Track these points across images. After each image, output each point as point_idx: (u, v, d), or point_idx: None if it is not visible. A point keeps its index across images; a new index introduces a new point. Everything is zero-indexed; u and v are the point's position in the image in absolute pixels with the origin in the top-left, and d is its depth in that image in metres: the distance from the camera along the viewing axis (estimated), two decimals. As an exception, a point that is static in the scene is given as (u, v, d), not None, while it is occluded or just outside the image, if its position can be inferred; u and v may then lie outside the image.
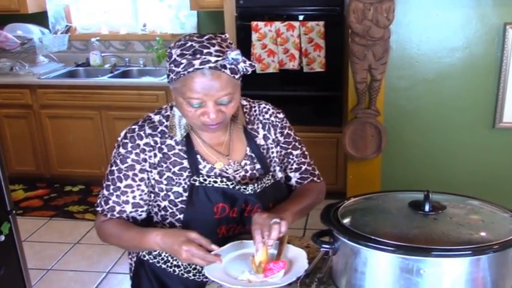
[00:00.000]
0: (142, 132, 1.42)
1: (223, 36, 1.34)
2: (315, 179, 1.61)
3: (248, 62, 1.31)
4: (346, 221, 1.22)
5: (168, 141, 1.43)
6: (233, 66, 1.29)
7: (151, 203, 1.47)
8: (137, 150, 1.41)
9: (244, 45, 3.62)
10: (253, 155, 1.48)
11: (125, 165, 1.42)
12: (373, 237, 1.12)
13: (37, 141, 4.26)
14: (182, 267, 1.49)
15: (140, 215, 1.46)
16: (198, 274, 1.49)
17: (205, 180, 1.40)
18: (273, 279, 1.26)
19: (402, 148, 3.35)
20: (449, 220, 1.19)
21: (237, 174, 1.45)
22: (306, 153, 1.60)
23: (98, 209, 1.46)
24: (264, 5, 3.63)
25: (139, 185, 1.43)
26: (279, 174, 1.54)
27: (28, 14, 4.28)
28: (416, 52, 3.16)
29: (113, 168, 1.43)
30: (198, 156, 1.43)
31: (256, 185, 1.44)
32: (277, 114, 1.55)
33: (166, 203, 1.43)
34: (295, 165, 1.57)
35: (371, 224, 1.20)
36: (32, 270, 2.75)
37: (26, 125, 4.23)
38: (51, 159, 4.29)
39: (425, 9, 3.08)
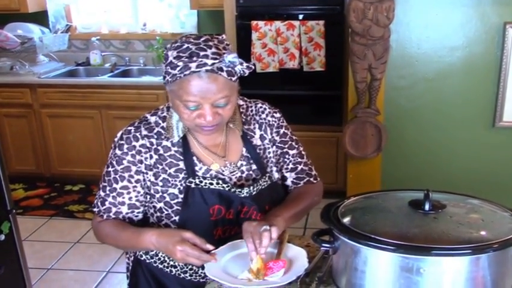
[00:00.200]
0: (138, 134, 1.41)
1: (220, 37, 1.33)
2: (312, 179, 1.59)
3: (245, 64, 1.29)
4: (346, 220, 1.22)
5: (164, 143, 1.42)
6: (230, 68, 1.27)
7: (147, 204, 1.47)
8: (133, 152, 1.40)
9: (244, 45, 3.62)
10: (250, 156, 1.47)
11: (121, 166, 1.41)
12: (373, 236, 1.12)
13: (37, 141, 4.26)
14: (179, 268, 1.49)
15: (137, 216, 1.46)
16: (194, 274, 1.49)
17: (201, 182, 1.40)
18: (273, 278, 1.26)
19: (402, 147, 3.35)
20: (449, 219, 1.19)
21: (233, 175, 1.45)
22: (303, 153, 1.58)
23: (95, 209, 1.46)
24: (264, 4, 3.63)
25: (135, 187, 1.42)
26: (276, 175, 1.53)
27: (28, 13, 4.28)
28: (416, 51, 3.16)
29: (110, 169, 1.43)
30: (194, 158, 1.42)
31: (252, 187, 1.43)
32: (274, 114, 1.54)
33: (161, 204, 1.42)
34: (291, 165, 1.56)
35: (371, 223, 1.20)
36: (32, 269, 2.75)
37: (26, 124, 4.23)
38: (51, 158, 4.29)
39: (425, 9, 3.08)
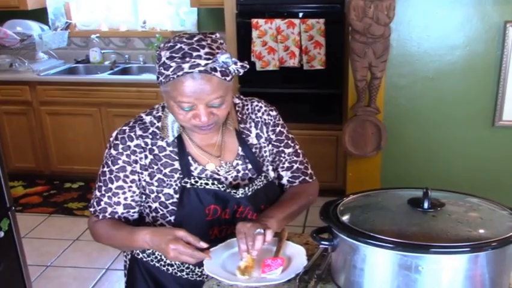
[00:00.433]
0: (132, 134, 1.40)
1: (213, 36, 1.30)
2: (307, 178, 1.58)
3: (240, 64, 1.27)
4: (345, 218, 1.22)
5: (159, 143, 1.41)
6: (224, 68, 1.25)
7: (142, 204, 1.46)
8: (128, 152, 1.40)
9: (245, 43, 3.62)
10: (245, 155, 1.46)
11: (117, 166, 1.41)
12: (372, 234, 1.12)
13: (37, 138, 4.26)
14: (175, 266, 1.49)
15: (133, 215, 1.46)
16: (191, 273, 1.49)
17: (196, 182, 1.39)
18: (271, 275, 1.26)
19: (402, 146, 3.35)
20: (448, 217, 1.19)
21: (229, 175, 1.44)
22: (299, 151, 1.57)
23: (91, 209, 1.46)
24: (265, 2, 3.63)
25: (131, 187, 1.42)
26: (272, 174, 1.52)
27: (28, 11, 4.28)
28: (416, 50, 3.16)
29: (105, 169, 1.42)
30: (189, 158, 1.41)
31: (247, 188, 1.42)
32: (270, 112, 1.53)
33: (156, 204, 1.42)
34: (287, 164, 1.55)
35: (370, 221, 1.20)
36: (32, 266, 2.75)
37: (25, 121, 4.23)
38: (50, 155, 4.29)
39: (425, 7, 3.07)
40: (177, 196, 1.40)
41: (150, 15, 4.51)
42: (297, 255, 1.35)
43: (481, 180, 3.25)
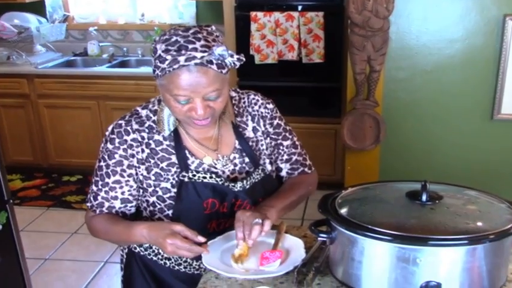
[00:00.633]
0: (129, 128, 1.39)
1: (209, 29, 1.30)
2: (306, 169, 1.58)
3: (236, 56, 1.26)
4: (343, 210, 1.22)
5: (156, 137, 1.40)
6: (220, 61, 1.25)
7: (140, 198, 1.46)
8: (125, 146, 1.39)
9: (243, 36, 3.61)
10: (242, 149, 1.46)
11: (113, 160, 1.40)
12: (370, 226, 1.12)
13: (35, 131, 4.25)
14: (173, 260, 1.49)
15: (130, 210, 1.45)
16: (189, 266, 1.49)
17: (194, 176, 1.39)
18: (270, 268, 1.26)
19: (400, 139, 3.35)
20: (446, 210, 1.20)
21: (226, 168, 1.43)
22: (297, 143, 1.57)
23: (88, 204, 1.46)
24: (263, -5, 3.62)
25: (128, 181, 1.41)
26: (269, 167, 1.51)
27: (25, 3, 4.26)
28: (415, 43, 3.15)
29: (102, 163, 1.42)
30: (186, 152, 1.41)
31: (245, 181, 1.42)
32: (267, 105, 1.52)
33: (154, 198, 1.42)
34: (285, 156, 1.55)
35: (368, 214, 1.21)
36: (30, 259, 2.75)
37: (23, 114, 4.22)
38: (48, 149, 4.29)
39: (424, 0, 3.06)
40: (174, 190, 1.39)
41: (148, 8, 4.49)
42: (295, 248, 1.35)
43: (480, 173, 3.26)
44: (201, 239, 1.26)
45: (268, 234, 1.33)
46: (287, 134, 1.55)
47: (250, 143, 1.48)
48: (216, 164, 1.43)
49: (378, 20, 2.79)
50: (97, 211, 1.44)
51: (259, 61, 3.58)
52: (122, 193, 1.42)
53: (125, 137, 1.39)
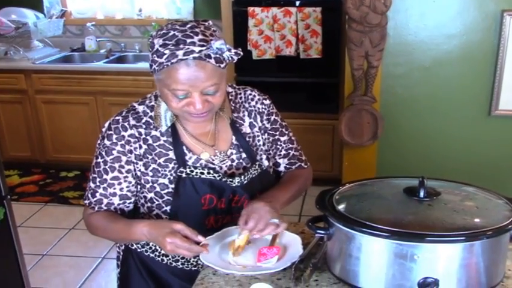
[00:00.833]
0: (126, 124, 1.39)
1: (206, 23, 1.30)
2: (303, 164, 1.60)
3: (233, 51, 1.26)
4: (341, 207, 1.22)
5: (153, 132, 1.40)
6: (218, 55, 1.24)
7: (137, 194, 1.45)
8: (123, 142, 1.38)
9: (241, 31, 3.60)
10: (239, 144, 1.46)
11: (111, 157, 1.39)
12: (368, 223, 1.12)
13: (32, 127, 4.24)
14: (170, 256, 1.49)
15: (128, 206, 1.45)
16: (186, 263, 1.49)
17: (191, 171, 1.38)
18: (267, 264, 1.26)
19: (398, 135, 3.35)
20: (443, 206, 1.20)
21: (223, 164, 1.43)
22: (293, 138, 1.58)
23: (86, 201, 1.45)
24: (261, -10, 3.61)
25: (126, 177, 1.41)
26: (266, 163, 1.51)
27: (22, -2, 4.24)
28: (413, 39, 3.14)
29: (99, 160, 1.41)
30: (184, 147, 1.41)
31: (243, 177, 1.42)
32: (264, 101, 1.52)
33: (152, 194, 1.41)
34: (283, 151, 1.56)
35: (365, 210, 1.21)
36: (27, 255, 2.75)
37: (20, 110, 4.21)
38: (46, 144, 4.28)
39: (422, -4, 3.05)
40: (172, 186, 1.39)
41: (146, 3, 4.47)
42: (293, 244, 1.35)
43: (477, 170, 3.26)
44: (201, 238, 1.25)
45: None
46: (284, 130, 1.56)
47: (247, 139, 1.48)
48: (213, 160, 1.42)
49: (376, 15, 2.79)
50: (96, 208, 1.43)
51: (256, 56, 3.57)
52: (121, 189, 1.42)
53: (122, 133, 1.39)
